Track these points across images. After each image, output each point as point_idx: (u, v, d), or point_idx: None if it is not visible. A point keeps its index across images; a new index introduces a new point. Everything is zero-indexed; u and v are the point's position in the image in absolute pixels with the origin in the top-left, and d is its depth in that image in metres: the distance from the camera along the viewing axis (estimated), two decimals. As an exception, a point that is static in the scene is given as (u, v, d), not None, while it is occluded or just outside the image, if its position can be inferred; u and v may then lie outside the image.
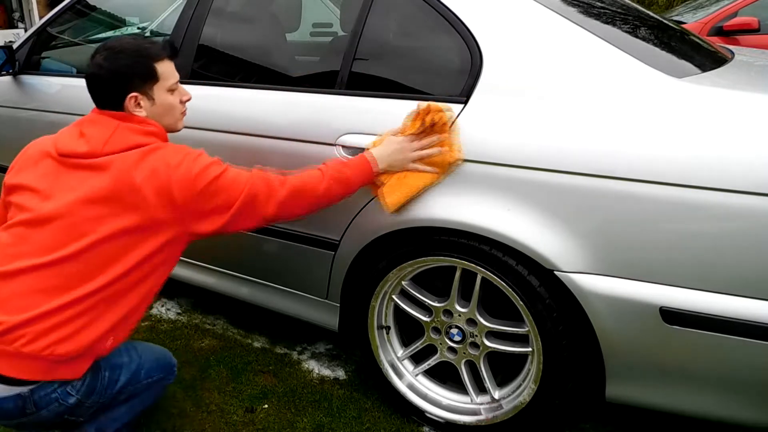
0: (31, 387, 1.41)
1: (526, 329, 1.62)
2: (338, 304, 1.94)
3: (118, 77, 1.49)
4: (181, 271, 2.34)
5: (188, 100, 1.64)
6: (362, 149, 1.70)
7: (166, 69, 1.56)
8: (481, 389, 1.78)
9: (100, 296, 1.42)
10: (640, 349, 1.48)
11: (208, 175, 1.45)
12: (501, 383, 1.77)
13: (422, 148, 1.58)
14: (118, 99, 1.51)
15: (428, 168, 1.59)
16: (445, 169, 1.58)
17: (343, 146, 1.75)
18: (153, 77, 1.53)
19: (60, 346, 1.38)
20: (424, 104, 1.58)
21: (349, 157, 1.72)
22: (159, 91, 1.54)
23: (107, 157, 1.44)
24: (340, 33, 2.40)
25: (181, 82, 2.11)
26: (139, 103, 1.52)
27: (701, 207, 1.33)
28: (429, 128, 1.57)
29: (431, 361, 1.85)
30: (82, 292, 1.40)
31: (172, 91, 1.58)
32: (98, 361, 1.50)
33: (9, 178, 1.54)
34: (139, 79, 1.51)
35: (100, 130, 1.48)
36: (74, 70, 2.66)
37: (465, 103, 1.61)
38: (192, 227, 1.48)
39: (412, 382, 1.89)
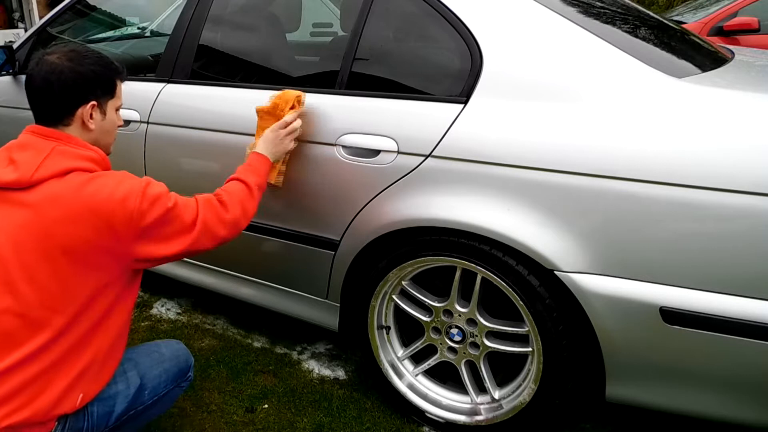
0: None
1: (526, 329, 1.62)
2: (338, 304, 1.94)
3: (82, 80, 1.36)
4: (181, 271, 2.34)
5: (121, 125, 1.54)
6: (362, 149, 1.71)
7: (120, 89, 1.48)
8: (481, 389, 1.78)
9: (56, 350, 1.28)
10: (640, 349, 1.48)
11: (160, 206, 1.35)
12: (501, 383, 1.77)
13: (287, 125, 1.71)
14: (71, 106, 1.37)
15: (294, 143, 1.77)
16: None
17: (343, 146, 1.75)
18: (112, 92, 1.45)
19: (15, 415, 1.24)
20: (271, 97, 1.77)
21: (350, 156, 1.73)
22: (111, 107, 1.45)
23: (39, 187, 1.28)
24: (340, 33, 2.40)
25: (181, 82, 2.13)
26: (92, 115, 1.39)
27: (701, 207, 1.33)
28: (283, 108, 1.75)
29: (431, 361, 1.85)
30: (32, 348, 1.25)
31: (117, 110, 1.49)
32: None
33: None
34: (101, 89, 1.41)
35: (31, 155, 1.31)
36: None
37: (465, 103, 1.61)
38: (144, 254, 1.36)
39: (412, 382, 1.89)
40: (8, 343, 1.27)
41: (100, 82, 1.41)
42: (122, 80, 1.49)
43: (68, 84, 1.35)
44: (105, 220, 1.29)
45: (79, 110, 1.38)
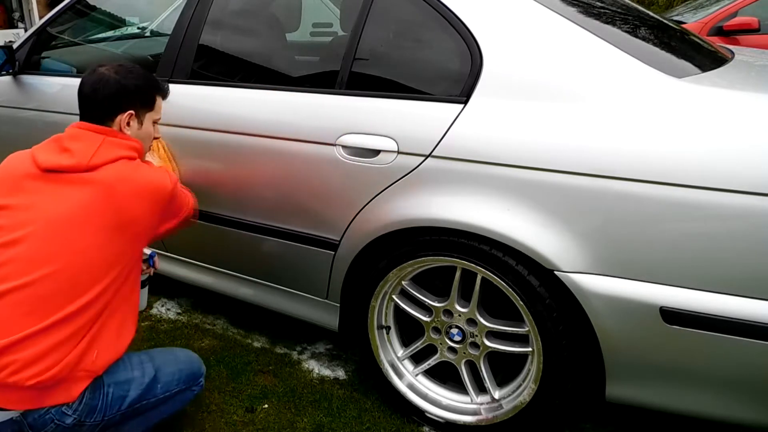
0: (22, 411, 1.38)
1: (526, 329, 1.62)
2: (338, 304, 1.94)
3: (124, 91, 1.57)
4: (181, 271, 2.34)
5: (157, 138, 1.76)
6: (362, 149, 1.71)
7: (159, 104, 1.69)
8: (481, 389, 1.78)
9: (87, 314, 1.40)
10: (640, 349, 1.48)
11: (177, 185, 1.63)
12: (501, 383, 1.77)
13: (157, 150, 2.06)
14: (112, 112, 1.56)
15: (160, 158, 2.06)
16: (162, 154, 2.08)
17: (343, 146, 1.75)
18: (150, 105, 1.65)
19: (46, 373, 1.35)
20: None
21: (350, 157, 1.73)
22: (148, 119, 1.65)
23: (97, 171, 1.45)
24: (340, 33, 2.40)
25: (181, 82, 2.13)
26: (129, 123, 1.59)
27: (701, 207, 1.33)
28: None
29: (431, 361, 1.85)
30: (69, 311, 1.38)
31: (155, 123, 1.69)
32: (101, 377, 1.47)
33: None
34: (140, 101, 1.61)
35: (85, 144, 1.49)
36: (74, 70, 2.66)
37: (465, 103, 1.61)
38: (159, 230, 1.62)
39: (412, 382, 1.89)
40: (49, 306, 1.38)
41: (140, 95, 1.61)
42: (164, 97, 1.71)
43: (111, 93, 1.55)
44: (157, 198, 1.52)
45: (118, 117, 1.57)
